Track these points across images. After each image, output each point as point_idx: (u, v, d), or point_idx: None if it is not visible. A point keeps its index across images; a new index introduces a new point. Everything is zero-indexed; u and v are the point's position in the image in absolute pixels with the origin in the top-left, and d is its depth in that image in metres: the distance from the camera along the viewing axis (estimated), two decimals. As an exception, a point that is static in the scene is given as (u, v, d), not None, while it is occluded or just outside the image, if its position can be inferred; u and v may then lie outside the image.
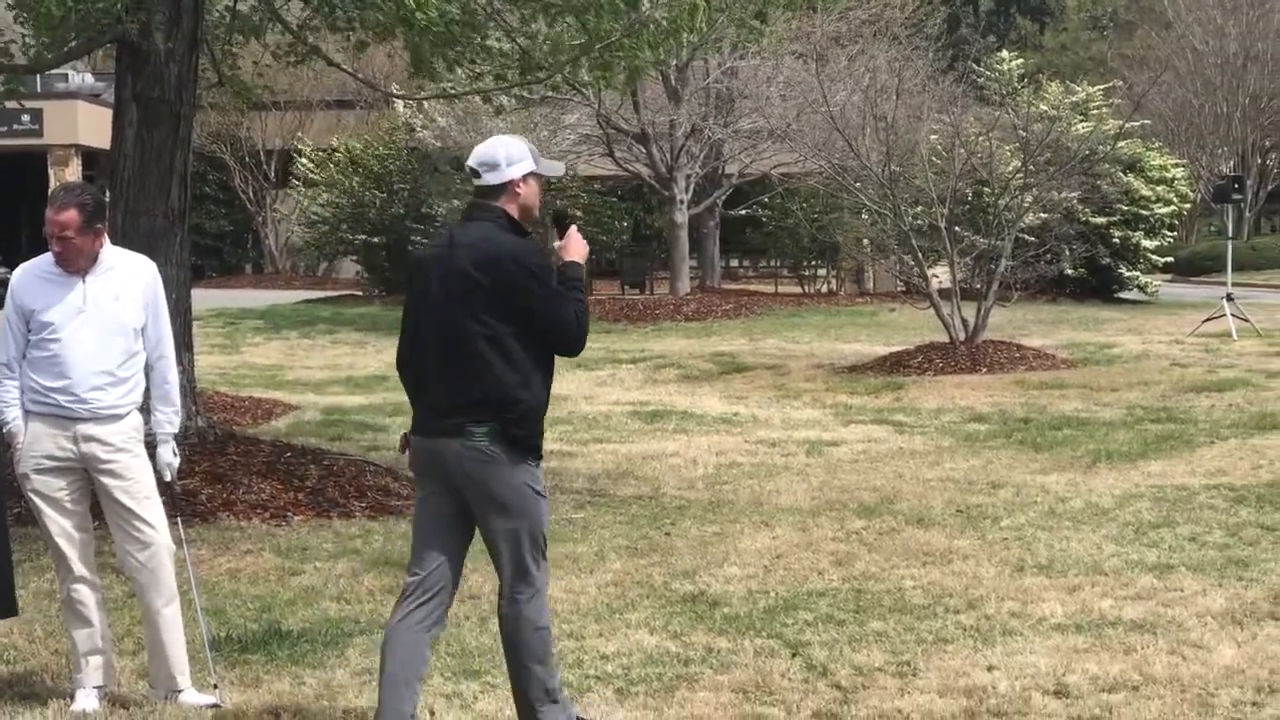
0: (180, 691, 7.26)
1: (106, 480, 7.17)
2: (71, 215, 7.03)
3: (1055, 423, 17.56)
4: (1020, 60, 33.50)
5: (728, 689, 7.43)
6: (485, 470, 6.41)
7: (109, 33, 13.38)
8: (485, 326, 6.35)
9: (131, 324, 7.21)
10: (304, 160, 41.42)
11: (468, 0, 13.77)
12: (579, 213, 35.80)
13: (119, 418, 7.16)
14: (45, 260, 7.18)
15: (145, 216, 13.01)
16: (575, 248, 6.65)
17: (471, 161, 6.60)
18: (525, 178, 6.57)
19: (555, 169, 6.92)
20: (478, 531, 6.68)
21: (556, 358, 6.57)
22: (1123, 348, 25.08)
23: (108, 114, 14.42)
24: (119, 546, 7.27)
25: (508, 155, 6.56)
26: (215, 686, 7.37)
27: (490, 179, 6.54)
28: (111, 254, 7.27)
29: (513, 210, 6.55)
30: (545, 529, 6.59)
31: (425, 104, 33.89)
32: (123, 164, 13.09)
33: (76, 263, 7.12)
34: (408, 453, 6.76)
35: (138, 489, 7.20)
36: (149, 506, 7.23)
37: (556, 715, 6.56)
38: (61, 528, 7.18)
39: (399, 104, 38.40)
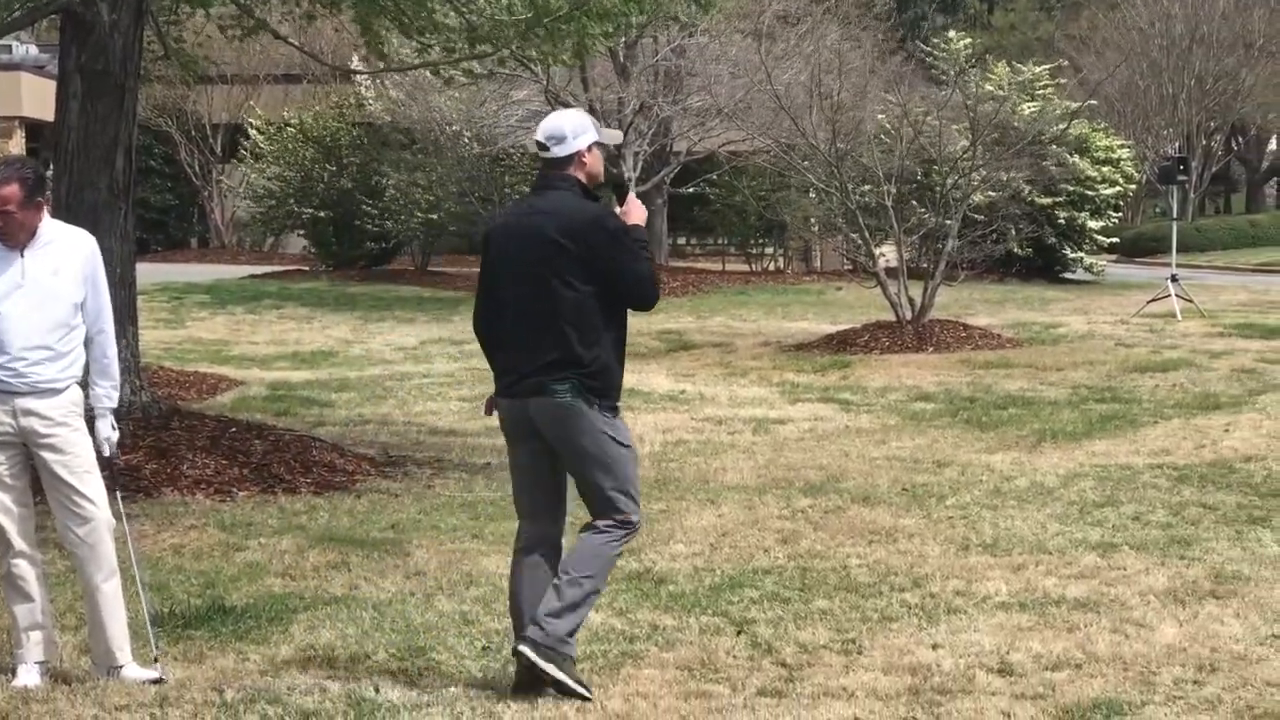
0: (121, 667, 7.21)
1: (46, 455, 7.10)
2: (13, 190, 6.96)
3: (1001, 402, 17.64)
4: (969, 40, 33.57)
5: (673, 666, 7.43)
6: (568, 423, 6.95)
7: (53, 3, 13.28)
8: (569, 288, 6.90)
9: (70, 298, 7.14)
10: (255, 132, 41.14)
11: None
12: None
13: (58, 392, 7.10)
14: None
15: (89, 189, 12.92)
16: (636, 212, 7.17)
17: (539, 136, 7.11)
18: (590, 147, 7.11)
19: (614, 137, 7.56)
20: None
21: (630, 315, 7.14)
22: (1068, 328, 25.20)
23: (52, 86, 14.31)
24: (58, 521, 7.21)
25: (573, 128, 7.09)
26: (156, 661, 7.34)
27: (558, 151, 7.05)
28: (50, 227, 7.19)
29: (581, 177, 7.09)
30: (631, 476, 7.07)
31: (378, 79, 33.78)
32: (67, 136, 12.99)
33: (17, 237, 7.05)
34: (495, 414, 7.27)
35: (77, 463, 7.14)
36: (88, 481, 7.16)
37: (570, 626, 6.89)
38: (1, 503, 7.11)
39: (353, 77, 38.17)
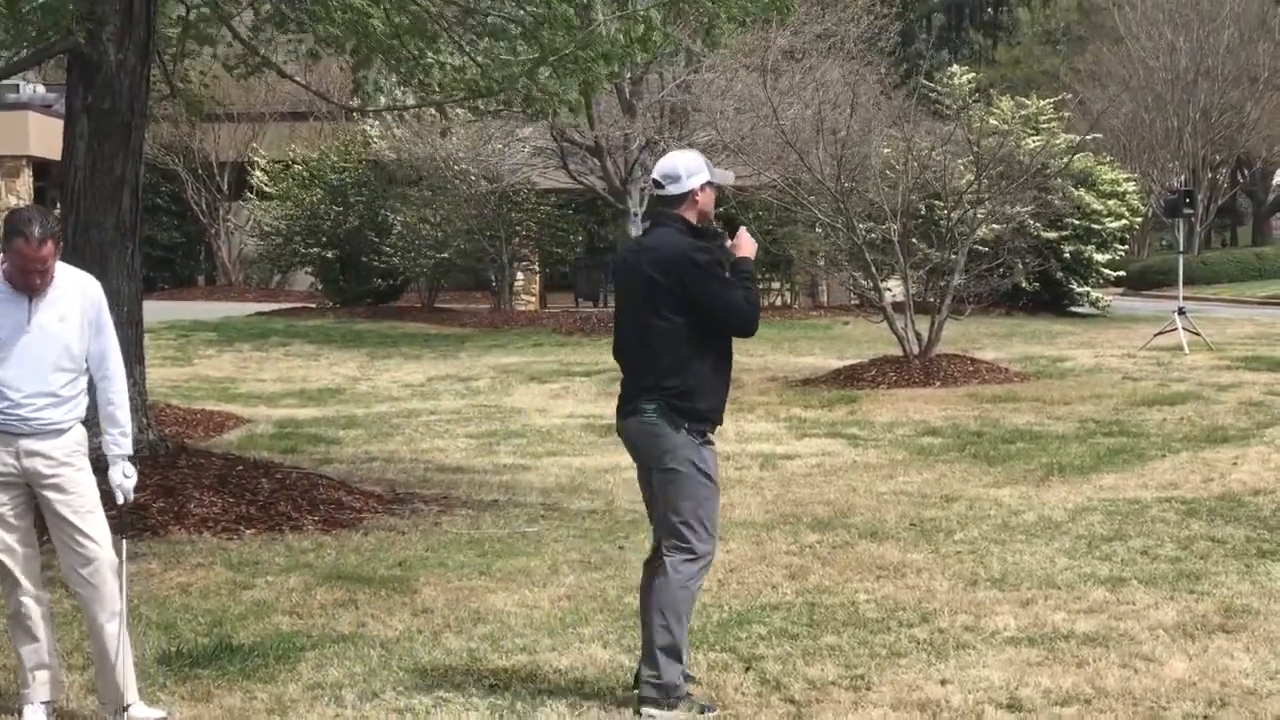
0: (128, 706, 7.18)
1: (49, 494, 7.08)
2: (50, 248, 6.94)
3: (1008, 436, 17.61)
4: (971, 75, 33.63)
5: (682, 703, 7.40)
6: (652, 441, 7.46)
7: (60, 43, 13.32)
8: (664, 319, 7.39)
9: (75, 346, 7.11)
10: (259, 173, 41.24)
11: (418, 10, 13.75)
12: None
13: (61, 432, 7.08)
14: None
15: (96, 228, 12.94)
16: (745, 245, 7.64)
17: (655, 174, 7.58)
18: (703, 187, 7.55)
19: (726, 178, 7.87)
20: None
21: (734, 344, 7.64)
22: (1075, 361, 25.18)
23: (59, 125, 14.35)
24: (63, 561, 7.18)
25: (687, 168, 7.53)
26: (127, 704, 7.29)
27: (672, 190, 7.53)
28: (59, 272, 7.15)
29: (691, 216, 7.54)
30: (704, 507, 7.43)
31: (385, 115, 33.84)
32: (73, 175, 13.02)
33: (43, 288, 7.05)
34: None
35: (80, 503, 7.11)
36: (91, 521, 7.14)
37: (673, 671, 7.30)
38: (5, 543, 7.09)
39: (358, 115, 38.28)
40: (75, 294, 7.17)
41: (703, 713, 7.25)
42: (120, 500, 7.31)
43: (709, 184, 7.56)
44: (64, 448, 7.09)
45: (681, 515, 7.39)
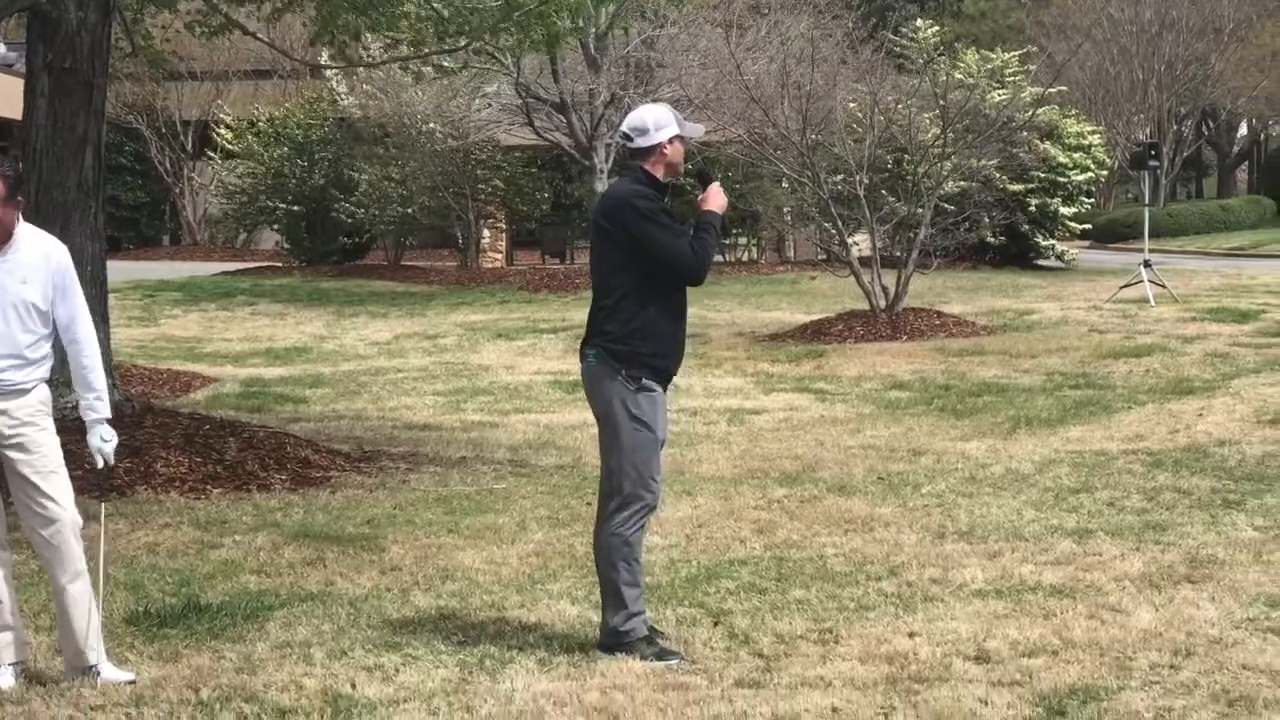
0: (92, 666, 7.15)
1: (11, 454, 7.02)
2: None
3: (975, 389, 17.66)
4: (937, 29, 33.57)
5: (651, 659, 7.41)
6: (592, 385, 7.62)
7: (20, 1, 13.21)
8: (610, 266, 7.51)
9: (39, 307, 7.04)
10: (222, 131, 41.04)
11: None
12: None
13: (24, 392, 7.01)
14: None
15: (58, 188, 12.86)
16: (713, 199, 7.67)
17: (624, 128, 7.64)
18: (671, 140, 7.56)
19: (696, 131, 7.87)
20: None
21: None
22: (1042, 314, 25.24)
23: (20, 84, 14.24)
24: (24, 522, 7.12)
25: (655, 122, 7.57)
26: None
27: (641, 143, 7.57)
28: (22, 234, 7.07)
29: (659, 170, 7.59)
30: (640, 454, 7.45)
31: (352, 73, 33.70)
32: (35, 135, 12.93)
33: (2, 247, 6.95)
34: None
35: (42, 464, 7.05)
36: (54, 481, 7.07)
37: (619, 617, 7.44)
38: None
39: (323, 73, 38.11)
40: (39, 256, 7.08)
41: (661, 659, 7.32)
42: (100, 464, 7.27)
43: (677, 137, 7.58)
44: (27, 407, 7.03)
45: (617, 461, 7.49)
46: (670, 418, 15.95)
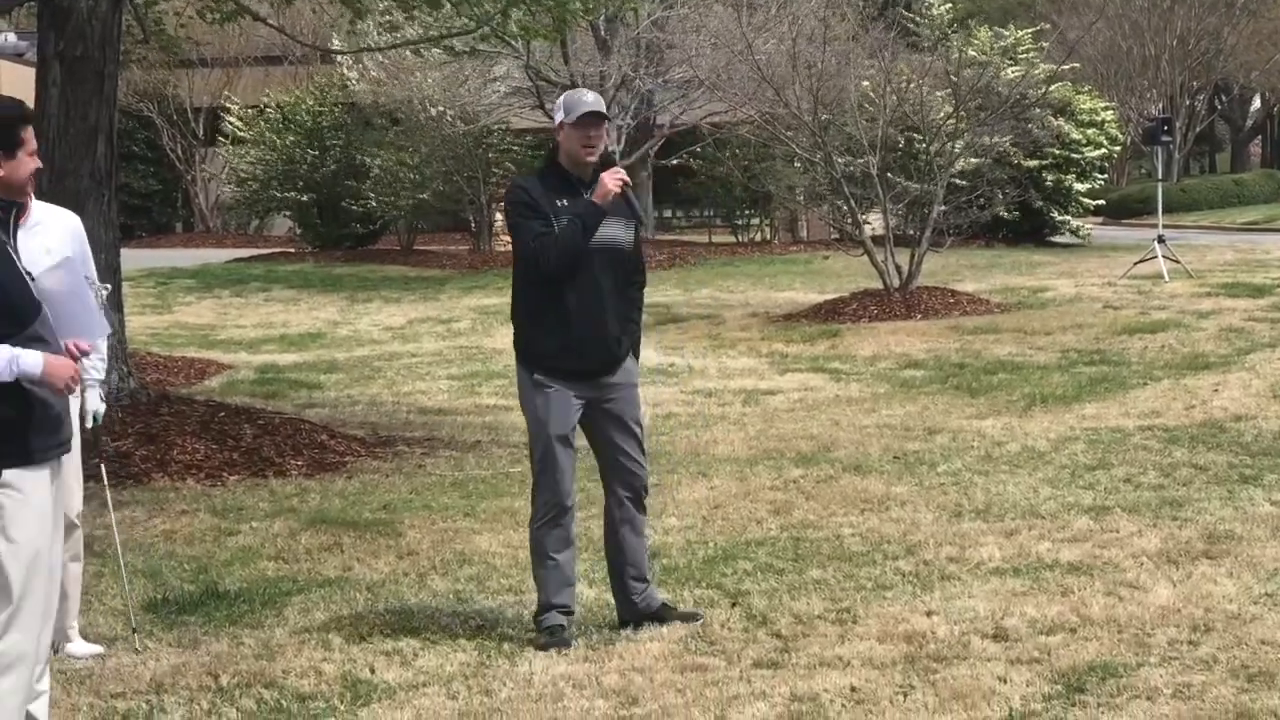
0: (70, 641, 7.34)
1: None
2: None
3: (990, 367, 17.64)
4: (950, 6, 33.50)
5: (668, 640, 7.41)
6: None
7: (30, -10, 13.21)
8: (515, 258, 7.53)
9: (68, 287, 7.09)
10: (232, 119, 41.03)
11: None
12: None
13: None
14: None
15: (71, 176, 12.87)
16: (598, 189, 7.34)
17: None
18: (560, 126, 7.45)
19: (573, 109, 7.43)
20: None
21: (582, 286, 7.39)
22: (1056, 291, 25.19)
23: (31, 73, 14.25)
24: None
25: (558, 105, 7.50)
26: (135, 632, 7.52)
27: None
28: (38, 208, 7.13)
29: (560, 154, 7.49)
30: (537, 451, 7.48)
31: (361, 57, 33.69)
32: (47, 124, 12.93)
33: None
34: None
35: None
36: (72, 463, 7.14)
37: (539, 607, 7.57)
38: None
39: (333, 58, 38.09)
40: (59, 228, 7.19)
41: (689, 619, 7.57)
42: (89, 424, 7.35)
43: (567, 124, 7.41)
44: None
45: (530, 456, 7.61)
46: (685, 399, 16.02)
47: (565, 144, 7.45)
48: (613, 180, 7.32)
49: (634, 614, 7.65)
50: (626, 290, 7.64)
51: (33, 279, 5.90)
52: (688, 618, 7.63)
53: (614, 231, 7.44)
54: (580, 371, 7.45)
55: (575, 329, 7.38)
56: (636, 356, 7.78)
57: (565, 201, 7.36)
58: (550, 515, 7.50)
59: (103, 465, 7.88)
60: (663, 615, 7.65)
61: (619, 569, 7.71)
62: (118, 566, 7.89)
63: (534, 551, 7.58)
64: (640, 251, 7.81)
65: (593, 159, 7.43)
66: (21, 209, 6.63)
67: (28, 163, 6.12)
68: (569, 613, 7.53)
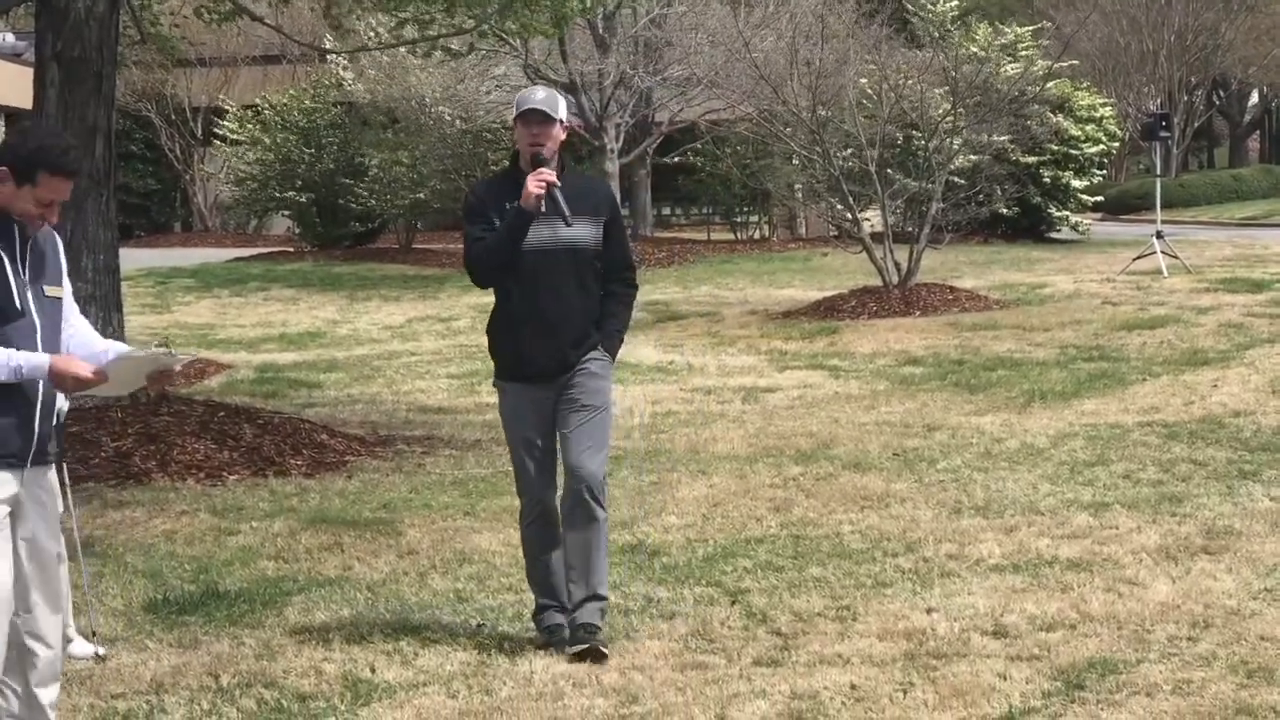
0: (70, 641, 7.31)
1: None
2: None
3: (989, 364, 17.65)
4: (955, 2, 33.50)
5: (669, 638, 7.43)
6: None
7: (28, -9, 13.22)
8: None
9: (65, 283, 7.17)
10: (225, 122, 41.01)
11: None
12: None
13: None
14: None
15: (70, 176, 12.84)
16: (523, 193, 7.15)
17: None
18: (514, 121, 7.38)
19: (518, 105, 7.37)
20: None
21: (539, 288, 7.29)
22: (1054, 287, 25.20)
23: (29, 73, 14.25)
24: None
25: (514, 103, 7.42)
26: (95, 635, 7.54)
27: None
28: None
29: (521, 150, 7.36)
30: (511, 452, 7.50)
31: (355, 56, 33.65)
32: (45, 124, 12.93)
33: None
34: None
35: None
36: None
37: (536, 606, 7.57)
38: None
39: (331, 57, 38.06)
40: (50, 233, 7.19)
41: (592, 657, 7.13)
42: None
43: (516, 119, 7.36)
44: None
45: None
46: (684, 397, 16.02)
47: (518, 139, 7.40)
48: (533, 182, 7.12)
49: (566, 630, 7.41)
50: (594, 289, 7.44)
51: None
52: (593, 655, 7.13)
53: (573, 232, 7.24)
54: (532, 375, 7.35)
55: (523, 331, 7.33)
56: (611, 351, 7.50)
57: (514, 203, 7.22)
58: (534, 515, 7.48)
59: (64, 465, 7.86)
60: (575, 638, 7.27)
61: (566, 570, 7.46)
62: (118, 567, 7.87)
63: (525, 552, 7.61)
64: (623, 248, 7.63)
65: (541, 156, 7.22)
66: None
67: (30, 208, 6.10)
68: (563, 610, 7.45)
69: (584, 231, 7.33)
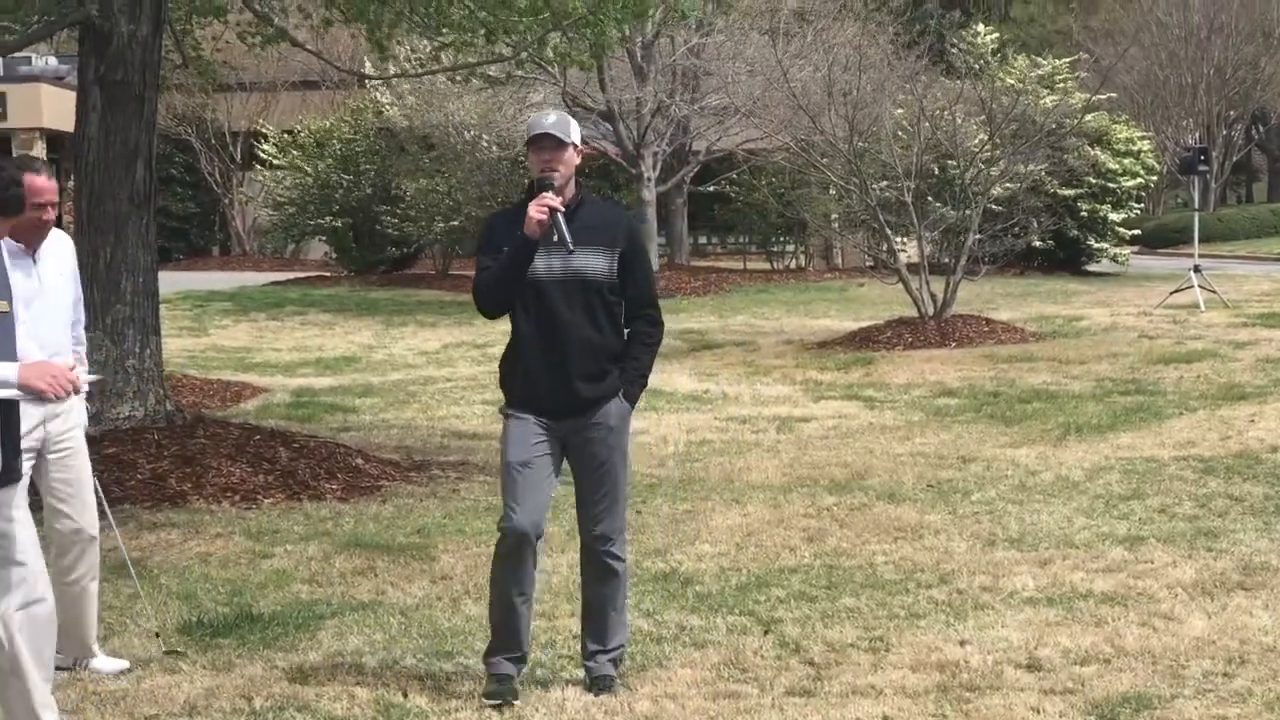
0: (95, 657, 7.50)
1: (57, 455, 7.24)
2: (52, 183, 7.05)
3: (1025, 396, 17.60)
4: (995, 34, 33.54)
5: (701, 667, 7.42)
6: None
7: (72, 15, 13.31)
8: None
9: (73, 297, 7.38)
10: (265, 147, 41.21)
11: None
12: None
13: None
14: None
15: (110, 200, 12.95)
16: (525, 220, 6.96)
17: None
18: (526, 147, 7.29)
19: (529, 130, 7.21)
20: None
21: (543, 320, 7.08)
22: (1091, 320, 25.13)
23: (72, 97, 14.36)
24: (55, 523, 7.36)
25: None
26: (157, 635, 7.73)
27: None
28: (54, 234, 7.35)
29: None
30: (503, 480, 7.13)
31: (394, 82, 33.78)
32: (87, 147, 13.03)
33: (44, 237, 7.14)
34: None
35: (85, 461, 7.43)
36: (89, 486, 7.43)
37: (488, 654, 7.23)
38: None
39: (370, 83, 38.23)
40: (63, 249, 7.35)
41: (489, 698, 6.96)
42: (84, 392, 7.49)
43: (528, 145, 7.17)
44: (75, 409, 7.24)
45: None
46: (719, 426, 16.01)
47: (531, 167, 7.22)
48: (535, 209, 6.91)
49: (586, 673, 7.27)
50: (609, 324, 7.16)
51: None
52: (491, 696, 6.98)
53: (581, 262, 6.99)
54: (540, 408, 7.09)
55: (531, 364, 7.08)
56: (630, 399, 7.28)
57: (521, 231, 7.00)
58: (511, 547, 7.07)
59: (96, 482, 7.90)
60: (594, 688, 7.11)
61: (583, 618, 7.38)
62: (153, 588, 7.91)
63: (492, 589, 7.21)
64: (645, 284, 7.31)
65: (551, 181, 7.01)
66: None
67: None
68: (521, 660, 7.18)
69: (594, 262, 7.04)
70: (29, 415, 7.00)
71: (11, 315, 5.80)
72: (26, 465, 6.98)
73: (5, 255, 6.57)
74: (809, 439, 15.33)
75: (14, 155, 40.59)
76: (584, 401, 7.09)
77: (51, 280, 7.20)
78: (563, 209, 6.97)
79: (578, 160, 7.15)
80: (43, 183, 6.92)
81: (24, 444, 6.94)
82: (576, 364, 7.05)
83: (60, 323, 7.25)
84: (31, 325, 7.02)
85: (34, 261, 7.13)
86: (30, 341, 6.82)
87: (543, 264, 6.99)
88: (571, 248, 6.92)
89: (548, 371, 7.05)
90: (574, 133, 7.11)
